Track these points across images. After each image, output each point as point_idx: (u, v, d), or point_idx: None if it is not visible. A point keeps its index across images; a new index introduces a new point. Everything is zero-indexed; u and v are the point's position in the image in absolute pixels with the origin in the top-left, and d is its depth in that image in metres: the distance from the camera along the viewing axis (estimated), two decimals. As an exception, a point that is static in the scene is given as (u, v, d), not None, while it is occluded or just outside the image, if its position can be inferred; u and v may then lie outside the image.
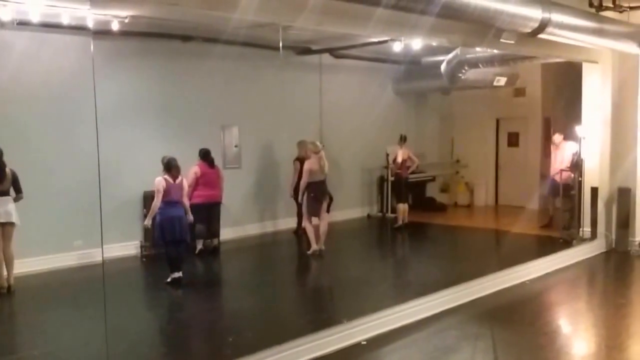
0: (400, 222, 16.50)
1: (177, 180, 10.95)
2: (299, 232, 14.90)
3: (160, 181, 10.76)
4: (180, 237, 11.01)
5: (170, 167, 10.87)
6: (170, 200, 10.81)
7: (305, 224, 13.51)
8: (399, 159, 16.34)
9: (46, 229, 11.91)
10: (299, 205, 14.08)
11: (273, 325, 9.29)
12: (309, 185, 13.10)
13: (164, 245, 11.10)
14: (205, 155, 13.12)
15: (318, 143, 13.29)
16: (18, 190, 10.76)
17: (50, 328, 9.32)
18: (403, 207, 16.52)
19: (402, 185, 16.64)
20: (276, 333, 8.42)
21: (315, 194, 13.12)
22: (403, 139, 16.40)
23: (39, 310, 10.29)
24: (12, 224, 10.73)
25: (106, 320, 8.05)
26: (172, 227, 10.89)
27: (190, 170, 12.70)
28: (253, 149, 15.82)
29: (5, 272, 10.74)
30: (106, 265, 11.18)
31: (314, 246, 13.22)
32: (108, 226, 11.31)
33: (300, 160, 14.41)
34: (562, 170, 14.49)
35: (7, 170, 10.61)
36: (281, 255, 14.96)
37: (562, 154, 14.73)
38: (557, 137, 15.00)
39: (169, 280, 10.99)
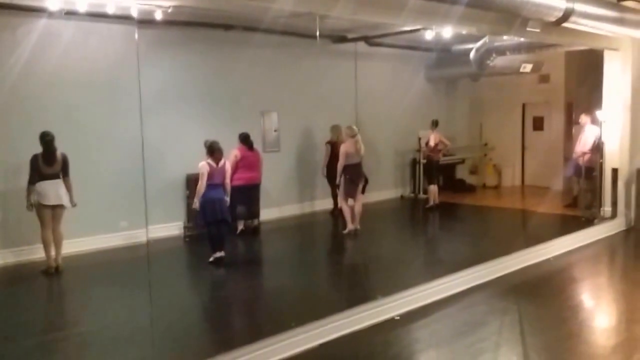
0: (431, 203, 16.46)
1: (220, 164, 10.85)
2: (335, 213, 14.90)
3: (204, 165, 10.67)
4: (221, 218, 10.95)
5: (213, 150, 10.77)
6: (212, 183, 10.74)
7: (341, 204, 13.46)
8: (431, 143, 16.35)
9: (93, 210, 11.82)
10: (335, 187, 14.12)
11: (311, 301, 9.30)
12: (345, 168, 13.00)
13: (206, 226, 11.05)
14: (245, 139, 13.05)
15: (354, 127, 13.21)
16: (65, 174, 10.66)
17: (97, 306, 9.37)
18: (434, 189, 16.49)
19: (433, 168, 16.62)
20: (314, 309, 8.41)
21: (351, 176, 13.03)
22: (435, 124, 16.37)
23: (85, 289, 10.39)
24: (61, 207, 10.72)
25: (151, 298, 8.06)
26: (213, 209, 10.79)
27: (231, 153, 12.61)
28: (292, 133, 15.79)
29: (53, 253, 10.72)
30: (150, 245, 11.23)
31: (350, 226, 13.20)
32: (152, 207, 11.37)
33: (332, 143, 14.55)
34: (584, 153, 14.39)
35: (58, 153, 10.56)
36: (318, 234, 15.05)
37: (585, 137, 14.58)
38: (583, 118, 14.80)
39: (211, 259, 10.96)
